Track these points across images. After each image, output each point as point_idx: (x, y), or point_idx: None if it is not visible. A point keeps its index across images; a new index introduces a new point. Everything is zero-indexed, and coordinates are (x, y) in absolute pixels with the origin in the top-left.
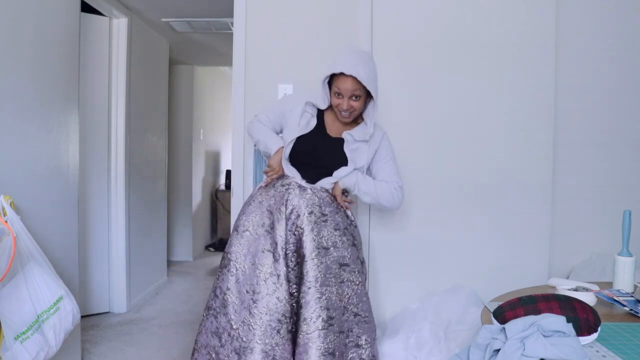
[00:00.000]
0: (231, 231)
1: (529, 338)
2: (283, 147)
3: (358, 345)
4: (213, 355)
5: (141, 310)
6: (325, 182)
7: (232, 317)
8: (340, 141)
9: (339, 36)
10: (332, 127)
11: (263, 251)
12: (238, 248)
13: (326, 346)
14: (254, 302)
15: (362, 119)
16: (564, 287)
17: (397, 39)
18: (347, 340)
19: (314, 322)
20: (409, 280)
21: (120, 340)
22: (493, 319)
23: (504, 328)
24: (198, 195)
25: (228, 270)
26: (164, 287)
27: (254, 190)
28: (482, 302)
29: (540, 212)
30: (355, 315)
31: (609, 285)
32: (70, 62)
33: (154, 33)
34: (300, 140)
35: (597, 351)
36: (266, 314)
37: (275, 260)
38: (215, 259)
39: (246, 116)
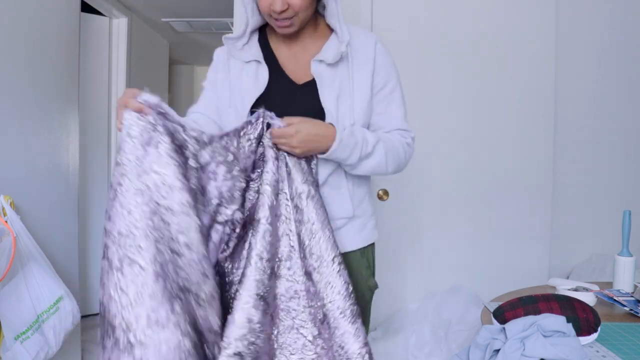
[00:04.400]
0: None
1: (529, 338)
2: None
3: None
4: None
5: None
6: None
7: None
8: (313, 84)
9: None
10: (292, 63)
11: None
12: None
13: None
14: None
15: (330, 29)
16: (564, 287)
17: (396, 39)
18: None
19: None
20: (409, 280)
21: None
22: (493, 319)
23: (504, 328)
24: None
25: None
26: None
27: None
28: (482, 302)
29: (540, 212)
30: None
31: (609, 285)
32: (70, 62)
33: (154, 33)
34: (259, 106)
35: (597, 351)
36: None
37: None
38: None
39: None
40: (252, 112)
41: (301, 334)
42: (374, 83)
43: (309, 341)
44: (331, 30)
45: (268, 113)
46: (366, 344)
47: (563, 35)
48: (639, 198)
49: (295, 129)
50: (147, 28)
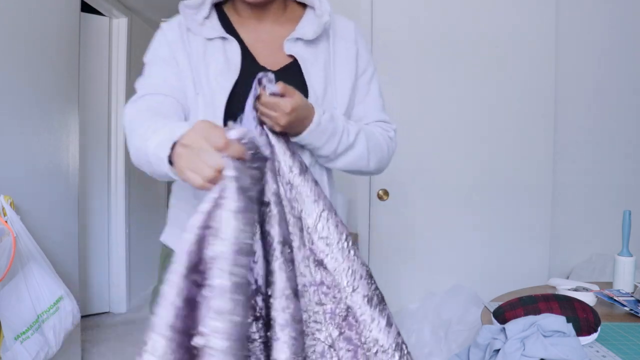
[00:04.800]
0: None
1: (529, 338)
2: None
3: None
4: None
5: (141, 310)
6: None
7: None
8: (292, 67)
9: None
10: (260, 46)
11: None
12: None
13: None
14: None
15: (302, 7)
16: (564, 287)
17: (396, 39)
18: None
19: None
20: (408, 280)
21: (120, 340)
22: (493, 319)
23: (504, 328)
24: None
25: None
26: None
27: None
28: (482, 302)
29: (540, 212)
30: None
31: (609, 285)
32: (70, 62)
33: (154, 33)
34: (235, 96)
35: (597, 351)
36: None
37: None
38: None
39: None
40: (229, 101)
41: (318, 339)
42: (357, 66)
43: (329, 346)
44: (303, 9)
45: (270, 75)
46: (399, 333)
47: (563, 35)
48: (639, 198)
49: (292, 105)
50: (147, 28)
